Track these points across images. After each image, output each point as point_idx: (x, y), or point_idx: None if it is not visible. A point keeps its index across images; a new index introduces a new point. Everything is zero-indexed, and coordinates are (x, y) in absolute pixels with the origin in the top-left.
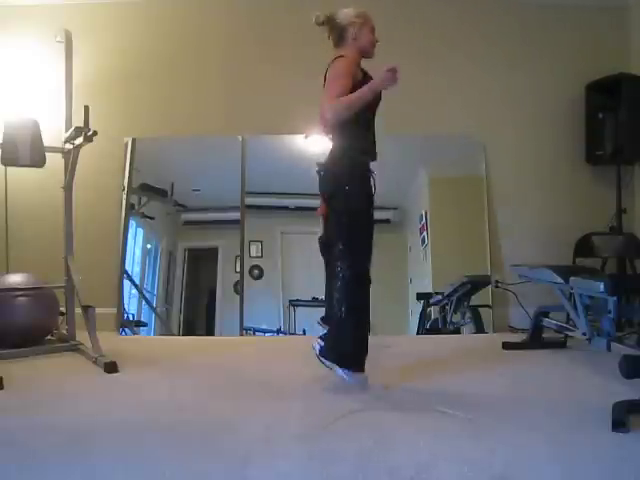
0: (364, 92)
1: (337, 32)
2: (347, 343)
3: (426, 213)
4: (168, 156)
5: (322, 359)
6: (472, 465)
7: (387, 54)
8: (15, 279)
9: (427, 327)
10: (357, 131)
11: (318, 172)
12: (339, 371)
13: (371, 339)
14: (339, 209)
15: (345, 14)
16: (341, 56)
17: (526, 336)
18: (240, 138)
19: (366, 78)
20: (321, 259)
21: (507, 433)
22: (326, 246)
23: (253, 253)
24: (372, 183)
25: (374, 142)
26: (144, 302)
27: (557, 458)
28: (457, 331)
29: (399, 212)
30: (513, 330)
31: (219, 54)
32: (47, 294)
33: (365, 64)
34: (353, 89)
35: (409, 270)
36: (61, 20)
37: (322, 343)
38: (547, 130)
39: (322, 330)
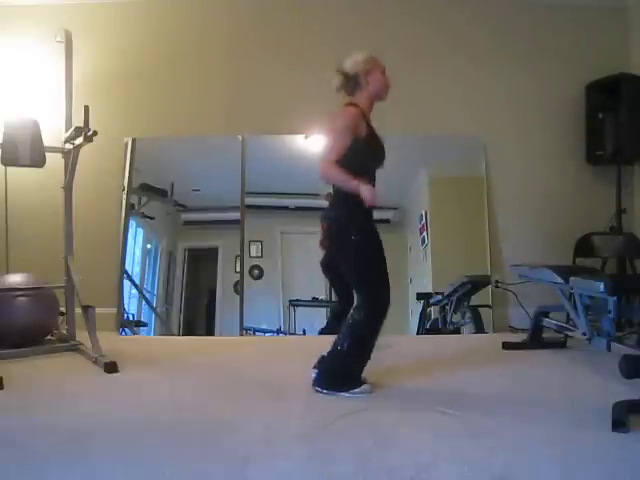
0: (350, 183)
1: (351, 82)
2: (344, 373)
3: (426, 213)
4: (168, 156)
5: (318, 389)
6: (472, 465)
7: (389, 54)
8: (15, 279)
9: (427, 327)
10: (363, 178)
11: (322, 221)
12: (341, 395)
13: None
14: (348, 259)
15: (353, 62)
16: (352, 104)
17: (526, 336)
18: (240, 138)
19: (372, 133)
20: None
21: (507, 433)
22: (328, 268)
23: (253, 253)
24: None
25: (374, 185)
26: (144, 302)
27: (557, 458)
28: (457, 331)
29: (399, 212)
30: (513, 330)
31: (219, 54)
32: (47, 294)
33: None
34: (357, 145)
35: (409, 270)
36: (61, 20)
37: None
38: (547, 130)
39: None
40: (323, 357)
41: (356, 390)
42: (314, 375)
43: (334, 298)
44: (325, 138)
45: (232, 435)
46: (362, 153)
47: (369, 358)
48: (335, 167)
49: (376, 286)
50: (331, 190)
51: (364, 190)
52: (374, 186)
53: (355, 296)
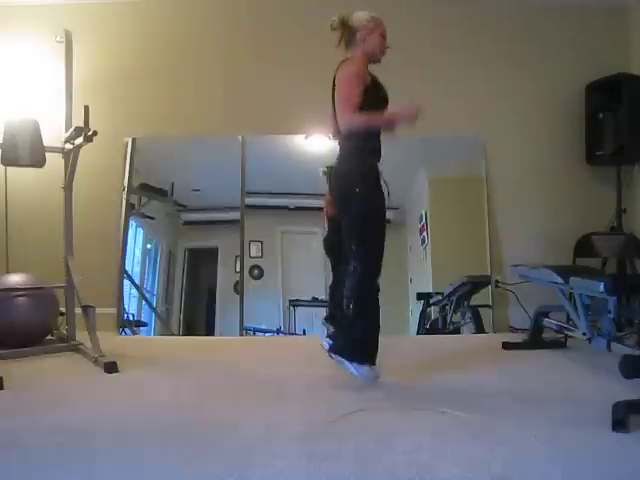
0: (381, 119)
1: (348, 34)
2: (356, 337)
3: (426, 213)
4: (168, 156)
5: (332, 355)
6: (472, 465)
7: (388, 55)
8: (15, 279)
9: (427, 327)
10: (367, 132)
11: (326, 174)
12: (348, 365)
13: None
14: (351, 211)
15: (357, 17)
16: (348, 59)
17: (526, 336)
18: (240, 138)
19: (374, 82)
20: (321, 259)
21: (507, 433)
22: (332, 246)
23: (253, 253)
24: (383, 182)
25: (380, 143)
26: (144, 302)
27: (557, 458)
28: (457, 331)
29: (399, 212)
30: (513, 330)
31: (219, 54)
32: (47, 294)
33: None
34: (364, 96)
35: (409, 270)
36: (61, 20)
37: (330, 341)
38: (547, 130)
39: (324, 330)
40: (338, 327)
41: (365, 368)
42: (327, 344)
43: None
44: (337, 88)
45: (232, 435)
46: (368, 103)
47: (377, 330)
48: (358, 115)
49: (372, 245)
50: (325, 167)
51: (402, 114)
52: (380, 142)
53: (351, 257)
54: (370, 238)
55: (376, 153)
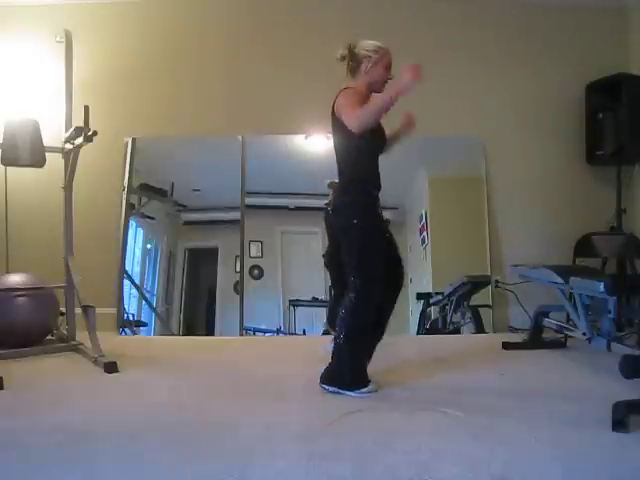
0: (388, 97)
1: (354, 62)
2: (345, 370)
3: (426, 213)
4: (168, 156)
5: (324, 386)
6: (472, 465)
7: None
8: (15, 279)
9: (427, 327)
10: (365, 163)
11: (326, 206)
12: (348, 393)
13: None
14: (349, 242)
15: (363, 46)
16: (347, 88)
17: (526, 336)
18: (240, 138)
19: None
20: (321, 259)
21: (507, 433)
22: (332, 258)
23: (253, 253)
24: (380, 212)
25: (379, 173)
26: (144, 302)
27: (557, 458)
28: (457, 331)
29: (399, 212)
30: (513, 330)
31: (219, 54)
32: (47, 294)
33: None
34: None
35: (409, 270)
36: (61, 20)
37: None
38: (547, 130)
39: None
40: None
41: (363, 390)
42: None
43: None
44: (338, 118)
45: (232, 435)
46: (364, 136)
47: (367, 354)
48: (362, 109)
49: (369, 277)
50: (335, 179)
51: (404, 82)
52: (378, 171)
53: (350, 286)
54: (367, 270)
55: (375, 183)
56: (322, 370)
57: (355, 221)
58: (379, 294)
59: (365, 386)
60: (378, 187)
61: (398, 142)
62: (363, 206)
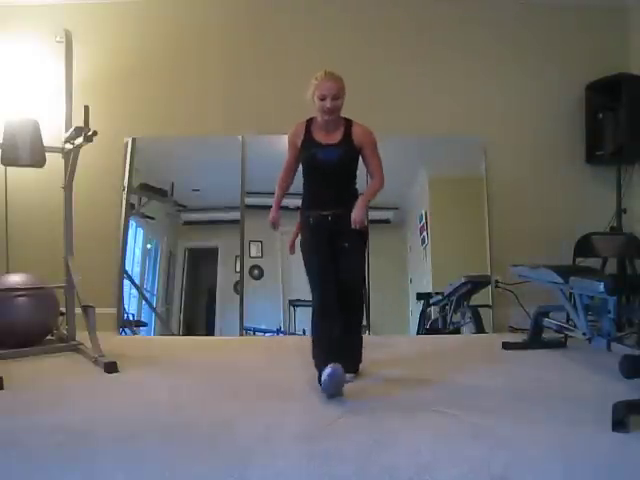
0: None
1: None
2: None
3: (426, 213)
4: (168, 156)
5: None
6: (472, 465)
7: (388, 54)
8: (15, 279)
9: (427, 327)
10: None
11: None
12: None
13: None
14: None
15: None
16: (308, 119)
17: (526, 336)
18: (240, 138)
19: (307, 141)
20: None
21: (507, 433)
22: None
23: (253, 253)
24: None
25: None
26: (144, 302)
27: (557, 458)
28: (457, 331)
29: (399, 212)
30: (513, 330)
31: (219, 54)
32: (47, 294)
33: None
34: (296, 154)
35: (409, 270)
36: (61, 20)
37: None
38: (547, 130)
39: None
40: None
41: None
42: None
43: None
44: None
45: (232, 435)
46: (301, 162)
47: (322, 359)
48: (278, 183)
49: (310, 284)
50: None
51: (271, 214)
52: (325, 192)
53: None
54: (309, 281)
55: (311, 202)
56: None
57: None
58: (318, 298)
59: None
60: (315, 206)
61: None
62: (302, 222)
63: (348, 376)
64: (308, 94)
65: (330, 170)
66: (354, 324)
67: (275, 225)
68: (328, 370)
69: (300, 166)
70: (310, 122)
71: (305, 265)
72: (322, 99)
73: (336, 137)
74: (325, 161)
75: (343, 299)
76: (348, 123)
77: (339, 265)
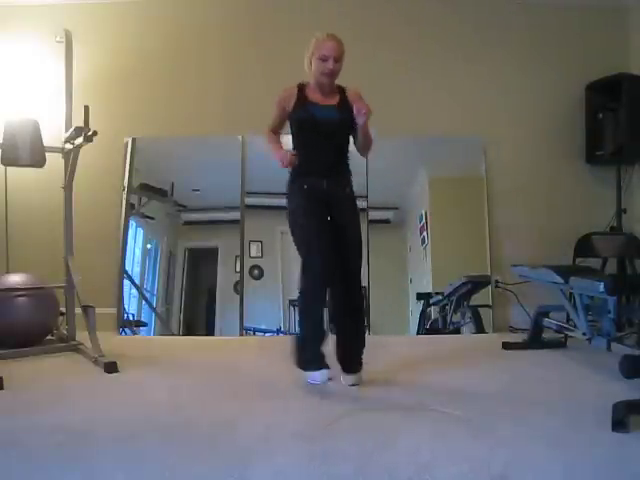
0: (272, 150)
1: (306, 62)
2: (298, 350)
3: (426, 213)
4: (168, 156)
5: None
6: (472, 465)
7: (387, 54)
8: (15, 279)
9: (427, 327)
10: (301, 150)
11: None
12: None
13: (371, 338)
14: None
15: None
16: (299, 84)
17: (526, 336)
18: (240, 138)
19: (301, 103)
20: None
21: (507, 433)
22: None
23: (253, 253)
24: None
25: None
26: (144, 302)
27: (557, 458)
28: (457, 331)
29: (399, 212)
30: (513, 330)
31: (219, 54)
32: (47, 294)
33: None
34: (290, 119)
35: (409, 270)
36: (61, 20)
37: None
38: (547, 130)
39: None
40: None
41: (308, 374)
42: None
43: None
44: None
45: (232, 435)
46: (293, 126)
47: (315, 337)
48: (268, 135)
49: (301, 252)
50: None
51: (277, 156)
52: (322, 157)
53: None
54: (299, 248)
55: (306, 168)
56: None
57: (287, 205)
58: (312, 264)
59: (313, 370)
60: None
61: (363, 134)
62: (292, 190)
63: (351, 378)
64: (306, 63)
65: (331, 130)
66: (359, 323)
67: (290, 159)
68: (317, 375)
69: (290, 132)
70: (302, 86)
71: (295, 234)
72: (324, 60)
73: (334, 100)
74: (325, 120)
75: (343, 282)
76: (341, 89)
77: (339, 241)
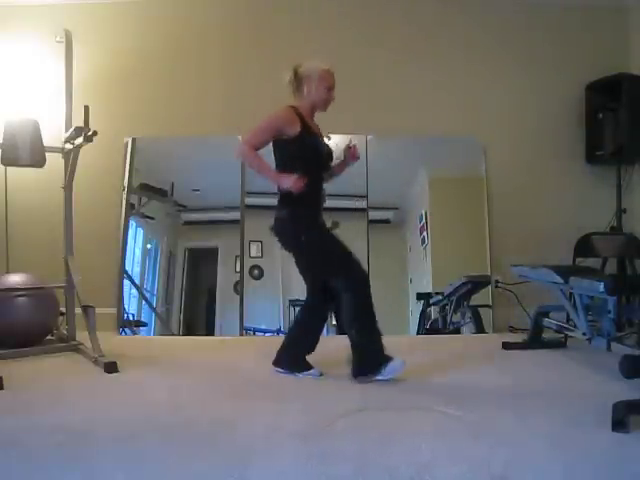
0: (267, 172)
1: (296, 82)
2: (374, 354)
3: (426, 213)
4: (168, 156)
5: (361, 378)
6: (472, 465)
7: (387, 54)
8: (15, 279)
9: (427, 327)
10: (303, 179)
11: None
12: (378, 377)
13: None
14: (305, 259)
15: (307, 68)
16: (291, 106)
17: (526, 336)
18: (240, 138)
19: (307, 130)
20: None
21: (507, 433)
22: None
23: (253, 253)
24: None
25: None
26: (144, 302)
27: (557, 458)
28: (457, 331)
29: (399, 212)
30: (513, 330)
31: (219, 54)
32: (47, 294)
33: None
34: (290, 145)
35: (409, 270)
36: (61, 20)
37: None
38: (547, 130)
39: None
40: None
41: (390, 366)
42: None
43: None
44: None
45: (232, 435)
46: (297, 152)
47: (377, 337)
48: (254, 152)
49: (346, 267)
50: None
51: (283, 179)
52: (319, 188)
53: (335, 285)
54: (341, 265)
55: (314, 200)
56: (323, 370)
57: (303, 238)
58: (360, 269)
59: (387, 363)
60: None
61: (341, 171)
62: (307, 220)
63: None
64: (305, 86)
65: (327, 164)
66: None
67: (299, 184)
68: (397, 364)
69: (289, 157)
70: (298, 112)
71: (324, 254)
72: (330, 89)
73: (319, 130)
74: (326, 155)
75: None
76: None
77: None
